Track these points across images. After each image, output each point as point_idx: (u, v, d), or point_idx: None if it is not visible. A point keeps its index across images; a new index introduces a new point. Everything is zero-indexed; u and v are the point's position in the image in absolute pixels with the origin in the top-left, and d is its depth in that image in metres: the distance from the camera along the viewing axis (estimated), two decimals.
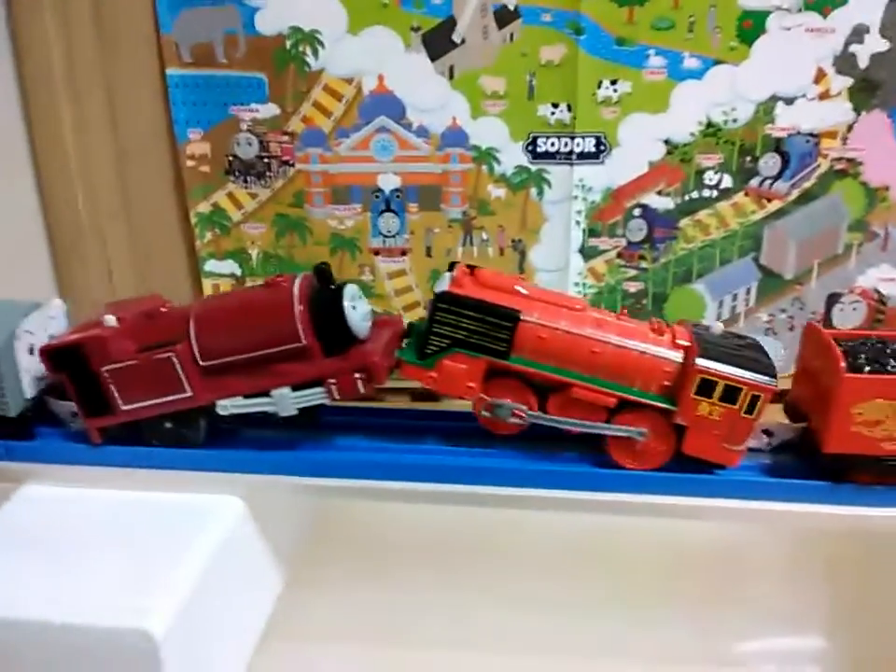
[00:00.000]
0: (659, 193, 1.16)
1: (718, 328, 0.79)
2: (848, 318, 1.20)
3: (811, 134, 1.11)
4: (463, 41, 1.09)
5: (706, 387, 0.73)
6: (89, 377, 0.74)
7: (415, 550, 0.93)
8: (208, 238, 1.22)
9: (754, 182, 1.14)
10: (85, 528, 0.72)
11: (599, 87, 1.10)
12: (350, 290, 0.74)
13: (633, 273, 1.21)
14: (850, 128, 1.10)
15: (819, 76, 1.08)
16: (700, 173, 1.14)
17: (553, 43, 1.08)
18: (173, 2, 1.10)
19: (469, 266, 0.78)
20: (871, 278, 1.18)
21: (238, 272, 1.24)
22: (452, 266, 0.79)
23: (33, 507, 0.76)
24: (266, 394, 0.74)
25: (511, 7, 1.07)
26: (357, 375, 0.72)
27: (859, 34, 1.06)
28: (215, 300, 0.80)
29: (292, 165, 1.17)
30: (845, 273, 1.18)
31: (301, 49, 1.10)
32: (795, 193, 1.14)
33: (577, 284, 1.22)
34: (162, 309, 0.79)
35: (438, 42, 1.09)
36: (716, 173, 1.14)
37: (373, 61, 1.10)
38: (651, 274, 1.21)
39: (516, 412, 0.75)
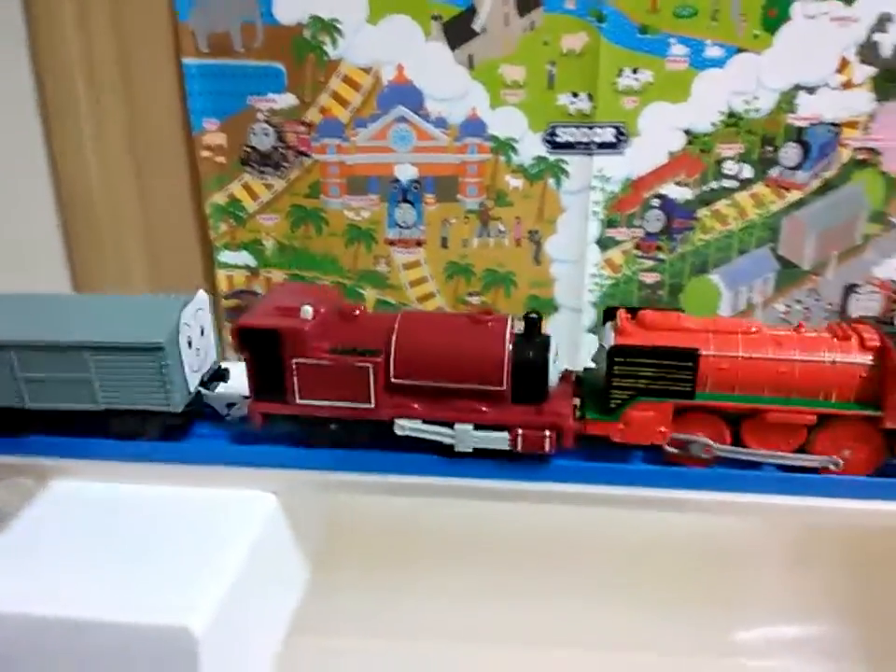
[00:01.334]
0: (678, 184, 1.16)
1: None
2: (865, 309, 1.21)
3: (833, 124, 1.11)
4: (484, 30, 1.08)
5: None
6: (275, 363, 0.72)
7: (430, 544, 0.93)
8: (223, 229, 1.21)
9: (774, 172, 1.14)
10: (122, 525, 0.72)
11: (620, 76, 1.09)
12: (555, 343, 0.73)
13: (650, 263, 1.21)
14: (872, 117, 1.10)
15: (842, 65, 1.08)
16: (720, 163, 1.14)
17: (575, 31, 1.07)
18: None
19: (628, 310, 0.76)
20: (888, 269, 1.18)
21: (253, 263, 1.23)
22: (608, 313, 0.77)
23: (70, 503, 0.76)
24: (447, 424, 0.73)
25: None
26: (546, 433, 0.71)
27: (883, 23, 1.06)
28: (420, 317, 0.79)
29: (309, 156, 1.16)
30: (862, 264, 1.18)
31: (319, 38, 1.09)
32: (815, 183, 1.14)
33: (593, 275, 1.22)
34: (356, 312, 0.77)
35: (458, 31, 1.08)
36: (736, 163, 1.14)
37: (393, 50, 1.09)
38: (667, 265, 1.21)
39: (711, 448, 0.73)
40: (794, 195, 1.15)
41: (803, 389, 0.73)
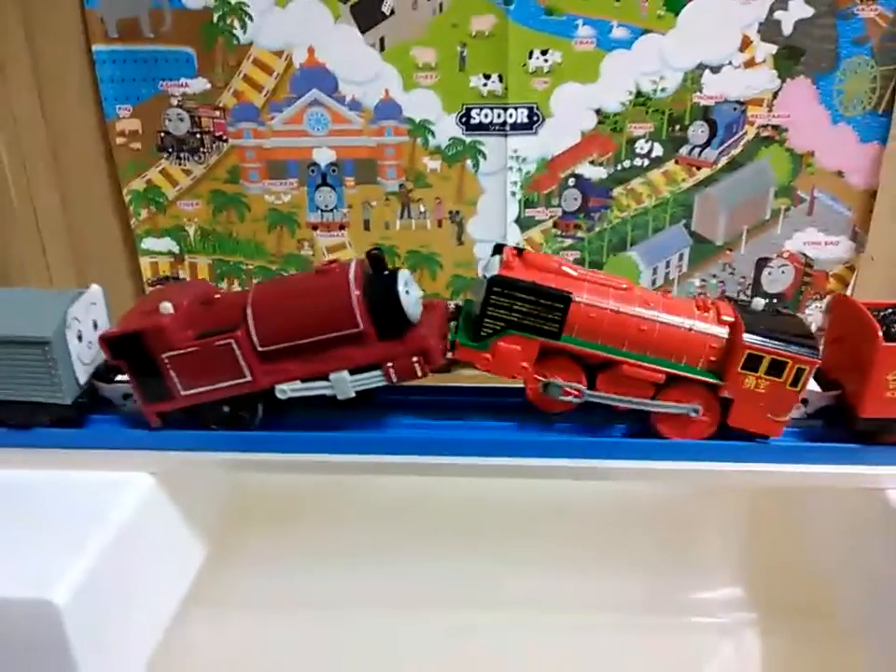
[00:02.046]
0: (592, 163, 1.18)
1: (759, 303, 0.81)
2: (777, 282, 1.24)
3: (738, 102, 1.13)
4: (392, 12, 1.09)
5: (752, 362, 0.75)
6: (148, 363, 0.74)
7: (336, 518, 0.96)
8: (144, 216, 1.21)
9: (684, 150, 1.16)
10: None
11: (530, 57, 1.11)
12: (403, 275, 0.76)
13: (569, 242, 1.23)
14: (776, 95, 1.13)
15: (745, 43, 1.10)
16: (631, 142, 1.16)
17: (483, 13, 1.08)
18: None
19: (516, 248, 0.80)
20: (798, 242, 1.21)
21: (176, 249, 1.23)
22: (497, 248, 0.80)
23: None
24: (324, 378, 0.75)
25: None
26: (414, 359, 0.74)
27: (783, 0, 1.08)
28: (270, 286, 0.81)
29: (225, 141, 1.16)
30: (772, 238, 1.21)
31: (228, 21, 1.09)
32: (723, 161, 1.17)
33: None
34: (216, 296, 0.79)
35: (367, 13, 1.09)
36: (647, 141, 1.16)
37: (303, 33, 1.10)
38: (586, 243, 1.23)
39: (569, 390, 0.78)
40: (704, 172, 1.18)
41: (658, 349, 0.77)
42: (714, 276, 1.25)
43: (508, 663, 0.87)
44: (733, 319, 0.78)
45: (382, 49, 1.11)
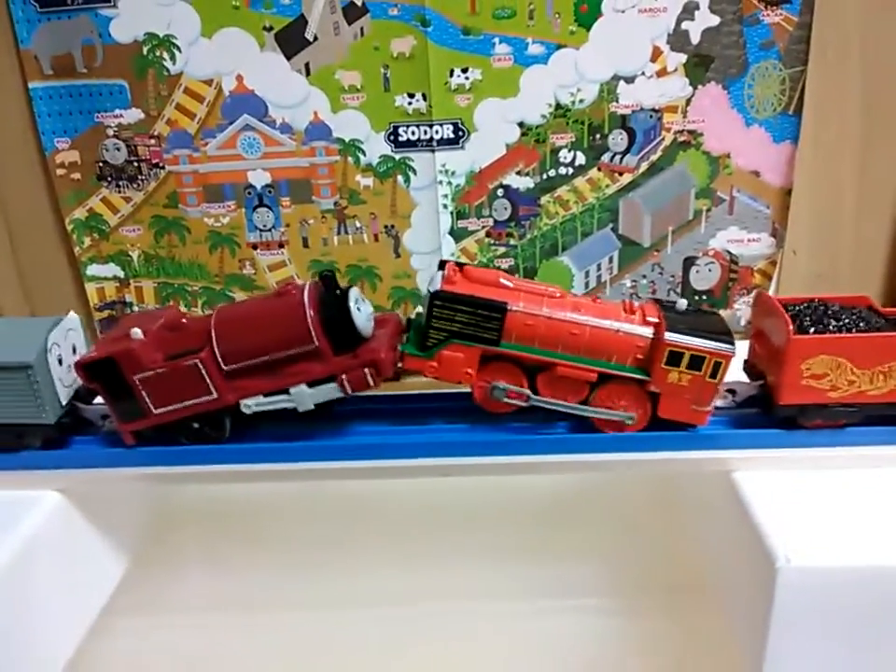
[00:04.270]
0: (519, 173, 1.22)
1: (682, 303, 0.87)
2: (705, 279, 1.29)
3: (653, 110, 1.18)
4: (315, 38, 1.13)
5: (674, 358, 0.81)
6: (122, 386, 0.80)
7: (262, 525, 1.00)
8: (88, 243, 1.24)
9: (605, 158, 1.21)
10: None
11: (451, 75, 1.15)
12: (354, 293, 0.82)
13: (502, 250, 1.27)
14: (689, 102, 1.17)
15: (656, 54, 1.15)
16: (555, 152, 1.20)
17: (403, 35, 1.13)
18: (30, 16, 1.11)
19: (457, 263, 0.86)
20: (721, 240, 1.26)
21: (121, 274, 1.27)
22: (442, 265, 0.86)
23: None
24: (285, 392, 0.81)
25: (359, 3, 1.11)
26: (366, 370, 0.80)
27: (689, 10, 1.13)
28: (231, 309, 0.88)
29: (162, 167, 1.20)
30: (697, 237, 1.26)
31: (157, 53, 1.13)
32: (644, 166, 1.21)
33: None
34: (183, 321, 0.85)
35: (291, 40, 1.13)
36: (569, 151, 1.20)
37: (230, 62, 1.14)
38: (519, 251, 1.27)
39: (513, 393, 0.84)
40: (627, 178, 1.22)
41: (590, 350, 0.83)
42: (644, 277, 1.29)
43: (443, 652, 0.91)
44: (657, 320, 0.84)
45: (308, 73, 1.15)
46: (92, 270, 1.26)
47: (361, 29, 1.13)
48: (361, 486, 1.00)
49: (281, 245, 1.26)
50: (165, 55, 1.13)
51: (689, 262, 1.28)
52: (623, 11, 1.12)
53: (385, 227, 1.25)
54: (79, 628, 0.82)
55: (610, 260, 1.28)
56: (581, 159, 1.21)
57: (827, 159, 1.19)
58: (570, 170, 1.22)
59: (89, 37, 1.12)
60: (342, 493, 1.06)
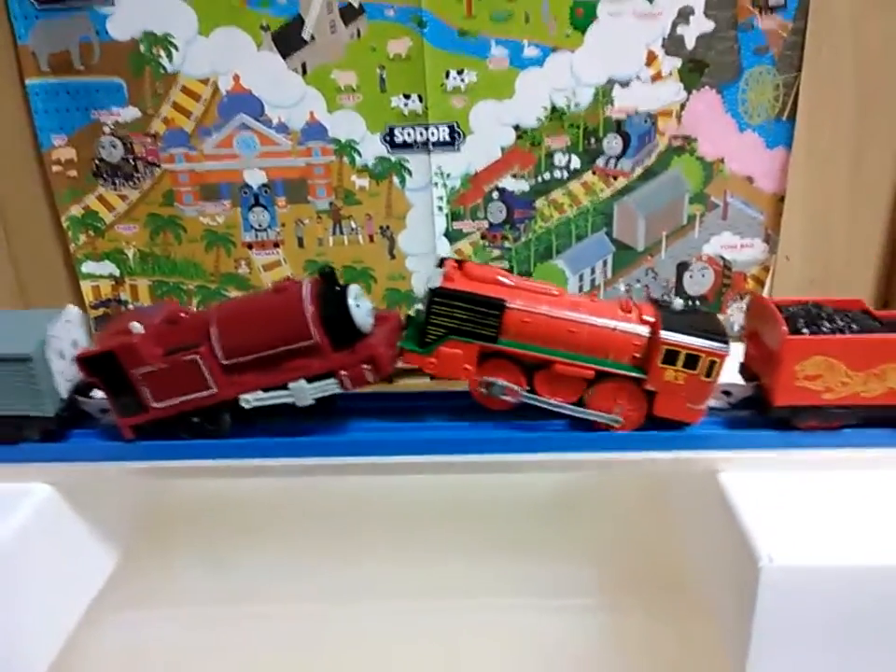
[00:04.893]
0: (514, 176, 1.22)
1: (678, 303, 0.87)
2: (699, 284, 1.29)
3: (648, 114, 1.18)
4: (312, 38, 1.13)
5: (670, 356, 0.82)
6: (121, 380, 0.80)
7: (255, 519, 1.00)
8: (83, 240, 1.25)
9: (600, 161, 1.21)
10: None
11: (447, 77, 1.16)
12: (354, 290, 0.82)
13: (497, 252, 1.27)
14: (683, 106, 1.18)
15: (651, 58, 1.15)
16: (550, 155, 1.21)
17: (399, 37, 1.13)
18: (27, 13, 1.12)
19: (456, 260, 0.87)
20: (715, 246, 1.26)
21: (116, 272, 1.27)
22: (441, 262, 0.87)
23: None
24: (284, 387, 0.82)
25: (356, 4, 1.12)
26: (365, 366, 0.80)
27: (684, 15, 1.14)
28: (231, 304, 0.89)
29: (158, 166, 1.20)
30: (691, 243, 1.26)
31: (154, 52, 1.13)
32: (639, 170, 1.22)
33: None
34: (182, 315, 0.85)
35: (288, 40, 1.13)
36: (564, 154, 1.21)
37: (227, 61, 1.14)
38: (514, 253, 1.27)
39: (509, 390, 0.84)
40: (621, 182, 1.23)
41: (587, 348, 0.84)
42: (638, 281, 1.29)
43: (433, 647, 0.91)
44: (653, 319, 0.84)
45: (304, 73, 1.15)
46: (88, 267, 1.27)
47: (358, 30, 1.13)
48: (355, 482, 1.00)
49: (276, 245, 1.26)
50: (162, 53, 1.13)
51: (682, 267, 1.28)
52: (618, 15, 1.13)
53: (381, 228, 1.26)
54: (69, 621, 0.82)
55: (604, 264, 1.28)
56: (575, 162, 1.21)
57: (820, 165, 1.20)
58: (565, 173, 1.22)
59: (86, 35, 1.12)
60: (335, 488, 1.06)
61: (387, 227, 1.25)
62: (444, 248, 1.27)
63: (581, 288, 1.30)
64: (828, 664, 0.73)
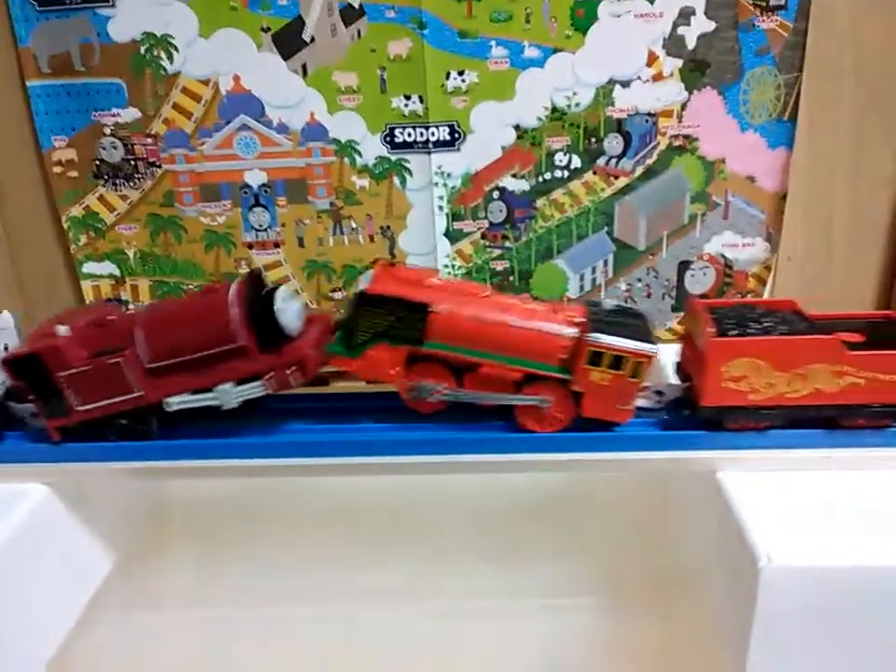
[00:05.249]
0: (514, 176, 1.22)
1: (609, 303, 0.88)
2: (700, 283, 1.29)
3: (649, 114, 1.18)
4: (313, 39, 1.13)
5: (595, 358, 0.82)
6: (47, 382, 0.80)
7: (250, 521, 1.00)
8: (84, 241, 1.25)
9: (601, 161, 1.21)
10: None
11: (448, 78, 1.15)
12: (281, 292, 0.82)
13: (498, 252, 1.28)
14: (684, 106, 1.18)
15: (651, 58, 1.15)
16: (550, 155, 1.21)
17: (399, 38, 1.13)
18: (28, 15, 1.12)
19: (389, 263, 0.87)
20: (716, 245, 1.26)
21: (117, 272, 1.27)
22: (374, 262, 0.88)
23: None
24: (209, 390, 0.81)
25: (356, 6, 1.12)
26: (290, 369, 0.80)
27: (685, 16, 1.13)
28: (158, 307, 0.89)
29: (159, 166, 1.20)
30: (692, 242, 1.26)
31: (155, 53, 1.13)
32: (640, 170, 1.22)
33: (446, 266, 1.28)
34: (110, 317, 0.85)
35: (288, 41, 1.13)
36: (565, 154, 1.21)
37: (227, 62, 1.14)
38: (514, 253, 1.27)
39: (435, 391, 0.84)
40: (622, 181, 1.23)
41: (514, 350, 0.84)
42: (639, 280, 1.29)
43: (429, 649, 0.91)
44: (581, 319, 0.85)
45: (304, 74, 1.15)
46: (88, 268, 1.27)
47: (358, 31, 1.13)
48: (351, 485, 1.00)
49: (276, 245, 1.26)
50: (163, 55, 1.13)
51: (684, 266, 1.28)
52: (619, 16, 1.12)
53: (381, 228, 1.26)
54: (65, 622, 0.82)
55: (605, 264, 1.28)
56: (576, 162, 1.21)
57: (821, 164, 1.19)
58: (566, 173, 1.22)
59: (87, 36, 1.12)
60: (332, 491, 1.06)
61: (388, 227, 1.25)
62: (445, 248, 1.27)
63: (581, 288, 1.30)
64: (827, 663, 0.73)
